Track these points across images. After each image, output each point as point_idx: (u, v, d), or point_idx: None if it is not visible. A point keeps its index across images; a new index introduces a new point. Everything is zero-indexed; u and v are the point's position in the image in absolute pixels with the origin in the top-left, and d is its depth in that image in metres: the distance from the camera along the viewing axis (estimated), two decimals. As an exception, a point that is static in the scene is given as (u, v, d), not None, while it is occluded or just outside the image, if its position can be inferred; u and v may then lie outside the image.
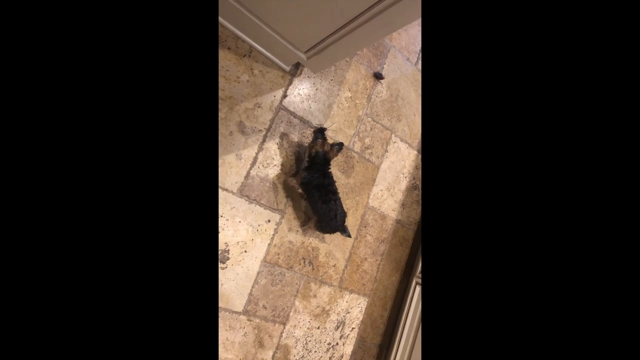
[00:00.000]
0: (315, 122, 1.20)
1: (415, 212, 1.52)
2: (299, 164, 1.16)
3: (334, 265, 1.26)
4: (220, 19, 0.99)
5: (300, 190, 1.09)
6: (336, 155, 1.12)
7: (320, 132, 1.09)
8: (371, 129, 1.35)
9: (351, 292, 1.32)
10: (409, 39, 1.45)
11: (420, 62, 1.50)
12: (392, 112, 1.41)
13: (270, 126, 1.11)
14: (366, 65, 1.32)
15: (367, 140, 1.34)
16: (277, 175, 1.12)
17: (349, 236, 1.18)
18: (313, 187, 1.05)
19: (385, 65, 1.38)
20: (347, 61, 1.27)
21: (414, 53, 1.47)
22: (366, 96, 1.33)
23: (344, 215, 1.12)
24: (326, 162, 1.08)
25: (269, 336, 1.12)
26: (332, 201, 1.07)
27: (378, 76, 1.35)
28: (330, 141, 1.15)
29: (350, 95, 1.29)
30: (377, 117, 1.37)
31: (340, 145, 1.12)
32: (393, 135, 1.42)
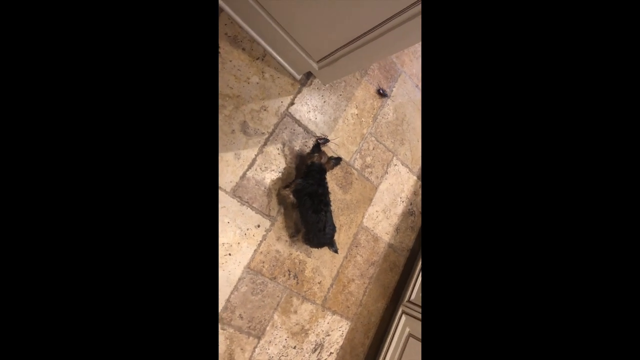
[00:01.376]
0: (319, 134, 1.19)
1: (409, 239, 1.49)
2: (297, 174, 1.15)
3: (319, 282, 1.21)
4: (239, 20, 1.00)
5: (292, 198, 1.06)
6: (332, 168, 1.11)
7: (319, 144, 1.09)
8: (374, 149, 1.35)
9: (334, 313, 1.26)
10: (420, 67, 1.48)
11: (428, 90, 1.52)
12: (396, 135, 1.41)
13: (273, 131, 1.10)
14: (376, 86, 1.34)
15: (368, 159, 1.33)
16: (273, 181, 1.10)
17: (336, 251, 1.15)
18: (306, 194, 1.03)
19: (394, 89, 1.40)
20: (357, 79, 1.28)
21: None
22: (372, 115, 1.34)
23: (333, 228, 1.09)
24: (322, 171, 1.07)
25: (241, 349, 1.05)
26: (322, 212, 1.04)
27: (382, 93, 1.36)
28: (330, 153, 1.14)
29: (356, 113, 1.29)
30: (380, 137, 1.37)
31: (337, 160, 1.11)
32: (395, 157, 1.42)
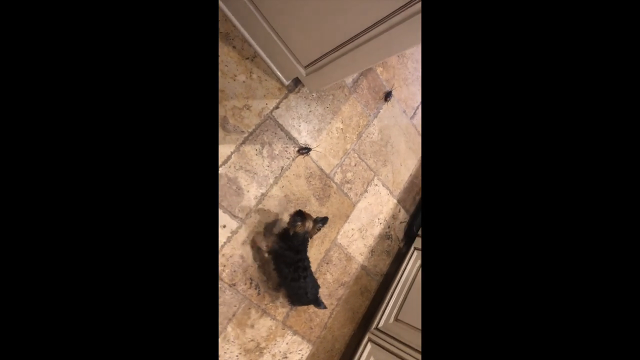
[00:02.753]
0: (302, 142, 1.18)
1: (384, 263, 1.43)
2: (275, 225, 1.09)
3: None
4: (233, 19, 1.02)
5: (266, 255, 1.01)
6: (318, 232, 1.03)
7: (299, 214, 0.98)
8: (355, 165, 1.33)
9: (295, 333, 1.17)
10: (409, 93, 1.52)
11: (415, 118, 1.54)
12: (379, 156, 1.41)
13: (254, 131, 1.08)
14: (364, 105, 1.35)
15: (349, 175, 1.31)
16: (247, 181, 1.06)
17: (324, 308, 1.11)
18: (282, 262, 0.99)
19: (382, 110, 1.42)
20: (345, 95, 1.30)
21: (411, 108, 1.53)
22: (357, 133, 1.34)
23: (316, 289, 1.05)
24: (304, 241, 1.00)
25: (186, 361, 0.94)
26: (301, 279, 0.99)
27: (388, 95, 1.40)
28: (311, 163, 1.12)
29: (342, 127, 1.29)
30: (363, 155, 1.36)
31: (324, 220, 1.02)
32: (376, 177, 1.40)
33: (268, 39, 0.98)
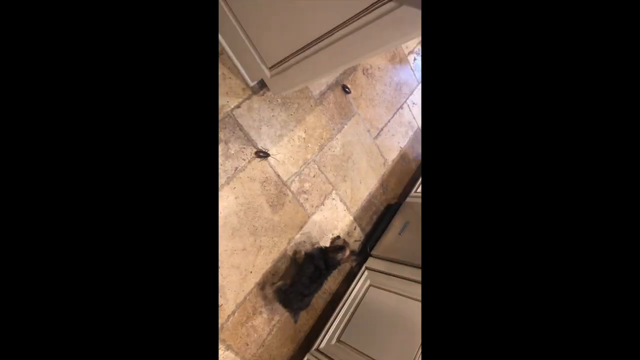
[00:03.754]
0: (261, 145, 1.15)
1: (333, 281, 1.39)
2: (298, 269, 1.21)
3: (220, 305, 1.05)
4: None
5: (302, 255, 1.21)
6: (353, 263, 1.30)
7: (344, 247, 1.16)
8: (314, 176, 1.32)
9: (228, 347, 1.07)
10: (374, 114, 1.55)
11: (379, 139, 1.58)
12: (339, 170, 1.41)
13: (210, 126, 1.04)
14: (328, 118, 1.36)
15: (306, 185, 1.29)
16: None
17: (296, 322, 1.20)
18: (313, 263, 1.14)
19: (346, 126, 1.43)
20: (311, 105, 1.30)
21: (375, 128, 1.56)
22: (319, 145, 1.33)
23: (308, 305, 1.18)
24: (337, 263, 1.15)
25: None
26: (314, 285, 1.13)
27: (347, 90, 1.42)
28: (271, 173, 1.09)
29: (304, 137, 1.28)
30: (324, 167, 1.35)
31: (360, 255, 1.23)
32: (334, 192, 1.39)
33: (236, 36, 0.97)
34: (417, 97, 1.76)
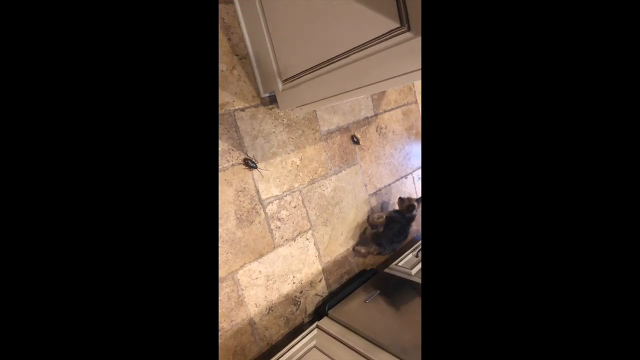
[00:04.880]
0: (250, 153, 1.11)
1: (277, 331, 1.20)
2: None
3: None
4: (240, 16, 1.06)
5: (384, 220, 1.44)
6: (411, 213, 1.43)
7: (413, 206, 1.41)
8: (295, 207, 1.23)
9: None
10: (377, 173, 1.52)
11: (374, 198, 1.51)
12: (323, 212, 1.32)
13: (207, 116, 1.02)
14: (329, 157, 1.33)
15: (284, 213, 1.20)
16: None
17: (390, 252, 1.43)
18: (394, 223, 1.40)
19: (344, 172, 1.39)
20: (315, 138, 1.29)
21: (372, 185, 1.51)
22: (311, 178, 1.28)
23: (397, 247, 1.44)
24: (411, 220, 1.41)
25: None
26: (402, 234, 1.40)
27: (354, 139, 1.41)
28: (252, 185, 1.04)
29: (298, 164, 1.24)
30: (308, 202, 1.27)
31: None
32: (311, 232, 1.28)
33: (262, 43, 1.01)
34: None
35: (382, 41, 0.69)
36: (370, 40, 0.71)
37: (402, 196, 1.51)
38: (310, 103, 0.98)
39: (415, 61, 0.65)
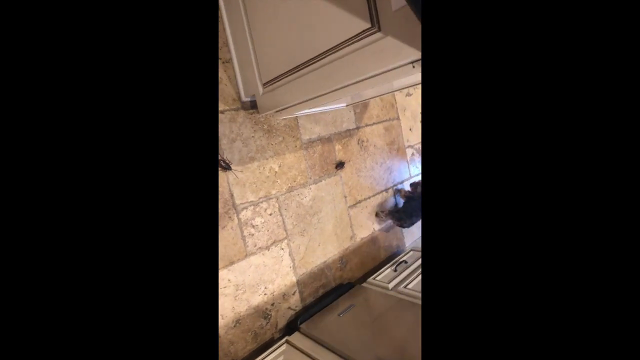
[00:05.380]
0: (227, 156, 1.09)
1: (243, 346, 1.12)
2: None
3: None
4: (225, 19, 1.08)
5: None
6: None
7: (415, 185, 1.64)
8: (271, 214, 1.20)
9: None
10: (357, 185, 1.51)
11: (353, 210, 1.50)
12: (301, 221, 1.29)
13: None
14: (309, 166, 1.32)
15: (258, 220, 1.17)
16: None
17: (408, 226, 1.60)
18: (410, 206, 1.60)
19: (324, 182, 1.38)
20: (296, 146, 1.28)
21: (353, 198, 1.50)
22: (289, 186, 1.26)
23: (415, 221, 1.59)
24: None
25: None
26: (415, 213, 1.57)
27: (339, 166, 1.42)
28: (226, 187, 1.02)
29: (277, 171, 1.22)
30: (285, 210, 1.24)
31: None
32: (287, 241, 1.25)
33: (245, 47, 1.02)
34: (405, 188, 1.74)
35: (355, 42, 0.70)
36: (344, 41, 0.72)
37: (414, 181, 1.69)
38: (289, 107, 0.98)
39: (385, 60, 0.66)
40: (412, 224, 1.57)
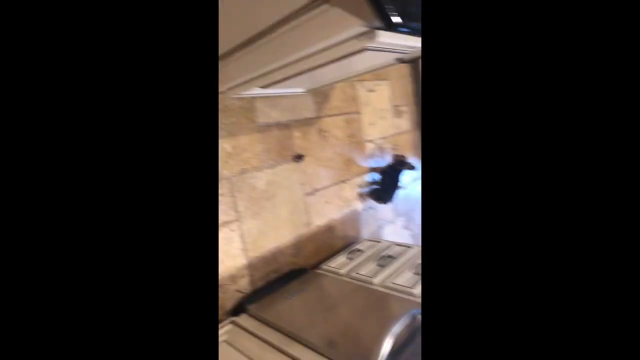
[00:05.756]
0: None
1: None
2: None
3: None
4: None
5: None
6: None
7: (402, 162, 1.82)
8: (222, 195, 1.18)
9: None
10: (315, 173, 1.52)
11: (311, 197, 1.51)
12: (254, 204, 1.28)
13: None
14: (264, 149, 1.32)
15: (208, 199, 1.14)
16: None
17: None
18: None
19: (280, 167, 1.38)
20: (250, 129, 1.28)
21: (310, 187, 1.51)
22: (242, 168, 1.25)
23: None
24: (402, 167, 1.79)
25: None
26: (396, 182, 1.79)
27: (298, 157, 1.41)
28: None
29: (229, 151, 1.21)
30: (237, 192, 1.23)
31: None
32: (238, 223, 1.23)
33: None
34: (362, 181, 1.78)
35: (304, 13, 0.71)
36: (293, 12, 0.73)
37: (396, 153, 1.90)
38: (243, 84, 0.98)
39: (331, 33, 0.68)
40: (392, 198, 1.72)
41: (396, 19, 0.60)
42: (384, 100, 1.96)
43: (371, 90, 1.87)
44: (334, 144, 1.62)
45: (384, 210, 1.92)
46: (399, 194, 1.84)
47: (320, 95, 1.55)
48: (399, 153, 1.88)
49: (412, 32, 0.68)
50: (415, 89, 2.21)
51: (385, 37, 0.67)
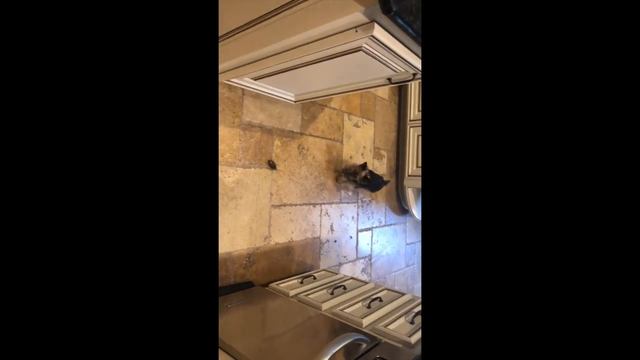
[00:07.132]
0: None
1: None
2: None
3: None
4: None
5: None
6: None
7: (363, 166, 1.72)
8: (184, 179, 1.10)
9: None
10: (286, 188, 1.48)
11: (277, 210, 1.44)
12: (219, 200, 1.20)
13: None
14: (242, 148, 1.28)
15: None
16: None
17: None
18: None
19: (253, 170, 1.33)
20: (233, 123, 1.25)
21: (278, 198, 1.45)
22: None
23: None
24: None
25: None
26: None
27: (272, 165, 1.38)
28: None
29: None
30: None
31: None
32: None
33: None
34: (332, 210, 1.75)
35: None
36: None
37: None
38: (236, 68, 0.97)
39: (331, 17, 0.70)
40: (378, 188, 1.76)
41: (395, 6, 0.62)
42: (367, 138, 2.02)
43: (357, 126, 1.93)
44: (311, 163, 1.61)
45: (346, 247, 1.86)
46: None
47: (308, 113, 1.58)
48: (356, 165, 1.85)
49: (411, 33, 0.71)
50: (397, 138, 2.31)
51: (382, 37, 0.70)
